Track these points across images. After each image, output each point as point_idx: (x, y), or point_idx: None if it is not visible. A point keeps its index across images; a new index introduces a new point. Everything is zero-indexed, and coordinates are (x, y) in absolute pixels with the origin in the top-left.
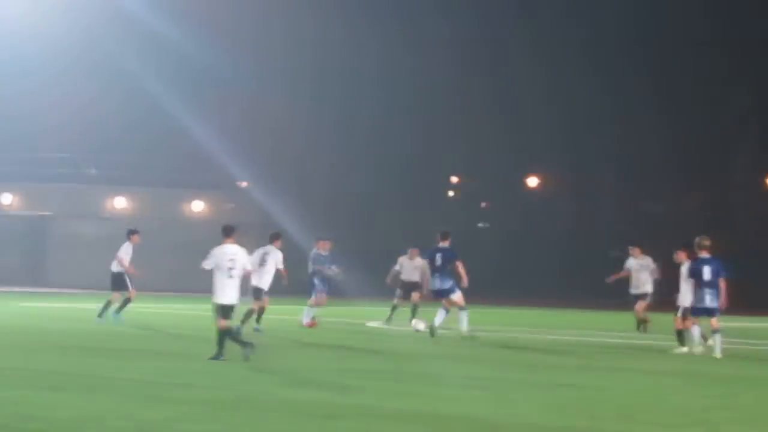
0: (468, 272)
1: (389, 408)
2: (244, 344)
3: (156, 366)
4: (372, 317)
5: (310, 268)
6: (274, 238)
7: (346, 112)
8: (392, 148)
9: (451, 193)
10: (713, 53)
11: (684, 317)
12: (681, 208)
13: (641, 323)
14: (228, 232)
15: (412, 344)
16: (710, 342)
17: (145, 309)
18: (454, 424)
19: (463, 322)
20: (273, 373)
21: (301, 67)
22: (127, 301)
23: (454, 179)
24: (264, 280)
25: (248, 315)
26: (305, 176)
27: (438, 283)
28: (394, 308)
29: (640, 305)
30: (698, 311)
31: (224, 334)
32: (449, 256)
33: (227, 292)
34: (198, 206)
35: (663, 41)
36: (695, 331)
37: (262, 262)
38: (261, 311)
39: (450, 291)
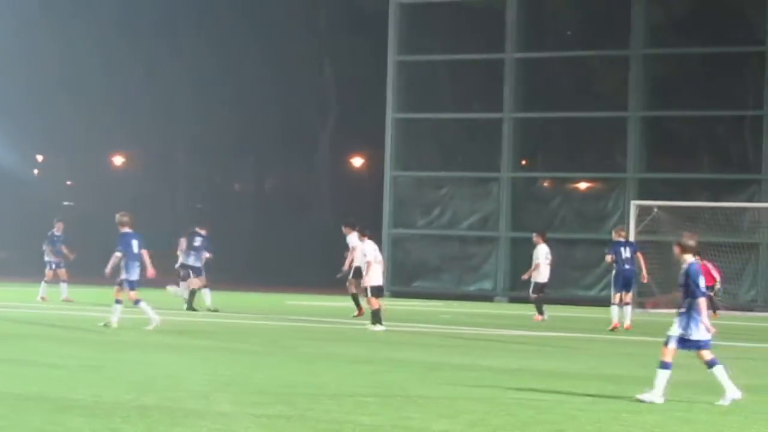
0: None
1: None
2: None
3: None
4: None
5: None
6: None
7: None
8: None
9: (36, 171)
10: (292, 30)
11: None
12: (262, 187)
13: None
14: None
15: (4, 324)
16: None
17: None
18: (28, 403)
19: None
20: None
21: None
22: None
23: (40, 157)
24: None
25: None
26: None
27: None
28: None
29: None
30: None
31: None
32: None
33: None
34: None
35: (228, 18)
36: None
37: None
38: None
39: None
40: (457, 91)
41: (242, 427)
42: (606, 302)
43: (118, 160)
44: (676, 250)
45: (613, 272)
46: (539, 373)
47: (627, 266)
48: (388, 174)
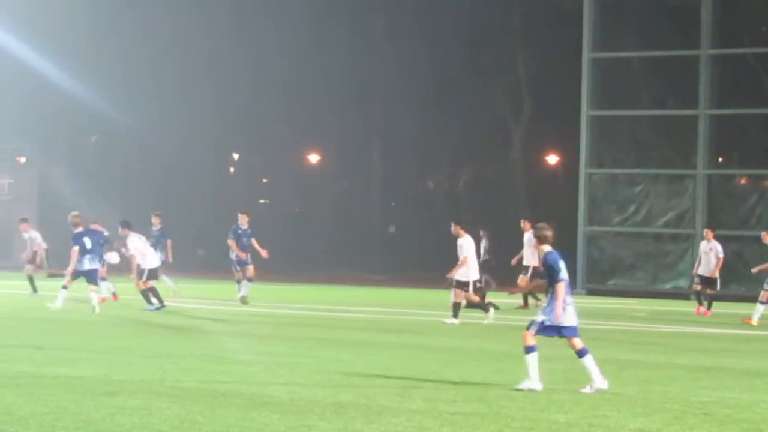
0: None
1: (167, 384)
2: None
3: None
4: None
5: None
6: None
7: (138, 87)
8: (188, 124)
9: (232, 170)
10: (488, 29)
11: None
12: (456, 184)
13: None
14: None
15: (198, 322)
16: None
17: None
18: (223, 399)
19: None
20: (47, 350)
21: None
22: None
23: (236, 155)
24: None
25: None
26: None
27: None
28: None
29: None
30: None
31: None
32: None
33: None
34: None
35: (437, 17)
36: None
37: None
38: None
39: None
40: (652, 87)
41: (436, 425)
42: None
43: (313, 157)
44: (534, 241)
45: None
46: (734, 372)
47: None
48: (582, 171)
